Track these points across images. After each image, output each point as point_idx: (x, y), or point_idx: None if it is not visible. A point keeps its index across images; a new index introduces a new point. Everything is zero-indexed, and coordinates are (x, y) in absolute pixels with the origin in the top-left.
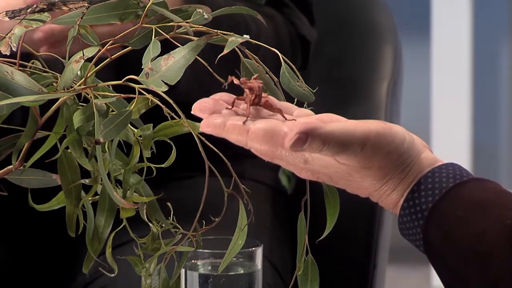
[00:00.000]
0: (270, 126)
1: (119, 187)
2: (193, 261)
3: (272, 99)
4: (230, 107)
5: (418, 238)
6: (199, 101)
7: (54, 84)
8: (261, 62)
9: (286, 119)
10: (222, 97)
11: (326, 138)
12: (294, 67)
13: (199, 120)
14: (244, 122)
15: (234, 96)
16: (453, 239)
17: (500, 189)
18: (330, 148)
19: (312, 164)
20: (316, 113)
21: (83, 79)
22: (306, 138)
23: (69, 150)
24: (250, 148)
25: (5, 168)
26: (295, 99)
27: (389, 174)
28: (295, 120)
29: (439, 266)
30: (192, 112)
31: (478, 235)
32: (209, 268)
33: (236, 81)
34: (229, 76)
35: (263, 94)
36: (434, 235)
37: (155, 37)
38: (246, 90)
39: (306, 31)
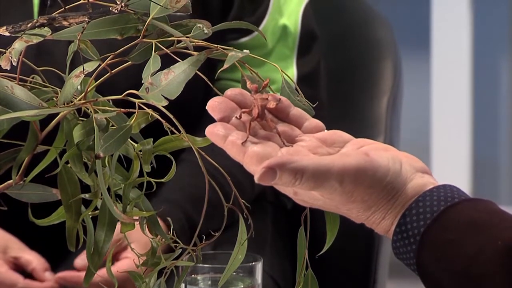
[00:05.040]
0: (265, 153)
1: (119, 201)
2: (193, 275)
3: (285, 104)
4: (239, 117)
5: (412, 263)
6: (213, 99)
7: (54, 98)
8: (261, 77)
9: (284, 143)
10: (235, 97)
11: (297, 173)
12: (294, 81)
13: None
14: (243, 143)
15: (247, 96)
16: (446, 262)
17: (494, 208)
18: (303, 183)
19: (301, 196)
20: None
21: (83, 93)
22: (275, 172)
23: (69, 165)
24: (246, 168)
25: (5, 183)
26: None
27: (374, 206)
28: (291, 146)
29: None
30: (206, 108)
31: (471, 257)
32: (209, 283)
33: (249, 84)
34: (244, 77)
35: (277, 97)
36: (428, 259)
37: (155, 51)
38: (254, 100)
39: None
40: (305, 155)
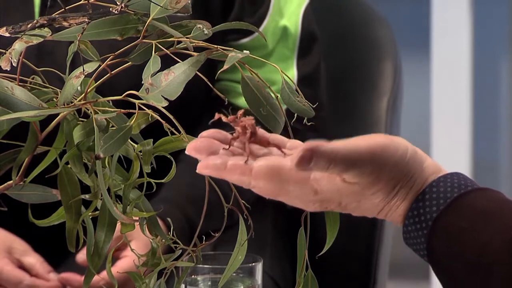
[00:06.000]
0: (273, 162)
1: (119, 202)
2: (193, 276)
3: (262, 133)
4: (227, 147)
5: (422, 248)
6: (193, 141)
7: (54, 99)
8: (261, 77)
9: (284, 153)
10: (214, 135)
11: (331, 155)
12: (294, 82)
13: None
14: (245, 162)
15: (225, 133)
16: (457, 249)
17: (505, 198)
18: (337, 165)
19: (322, 193)
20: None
21: (83, 94)
22: (311, 155)
23: (69, 166)
24: (253, 187)
25: (5, 184)
26: (295, 114)
27: (399, 184)
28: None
29: (443, 276)
30: (186, 152)
31: (482, 246)
32: (209, 283)
33: (224, 119)
34: (216, 114)
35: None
36: (438, 245)
37: (155, 52)
38: (238, 128)
39: None
40: None
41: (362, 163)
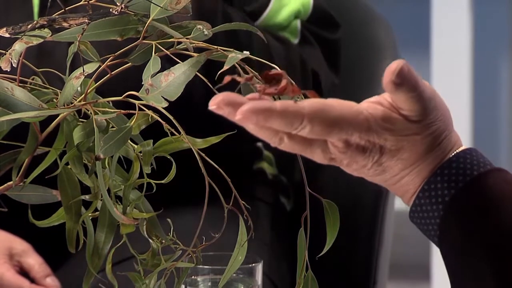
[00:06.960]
0: (323, 100)
1: (119, 203)
2: (193, 277)
3: None
4: (262, 92)
5: (433, 223)
6: (224, 94)
7: (54, 100)
8: (261, 79)
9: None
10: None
11: (418, 78)
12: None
13: (199, 136)
14: (295, 101)
15: (239, 95)
16: (472, 231)
17: None
18: (417, 93)
19: (375, 129)
20: None
21: (83, 95)
22: (408, 69)
23: (69, 166)
24: (303, 128)
25: (5, 184)
26: None
27: (445, 131)
28: None
29: (452, 256)
30: (211, 108)
31: (500, 230)
32: (209, 284)
33: (239, 79)
34: (226, 76)
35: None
36: (453, 223)
37: (155, 53)
38: (259, 86)
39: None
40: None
41: (430, 98)
